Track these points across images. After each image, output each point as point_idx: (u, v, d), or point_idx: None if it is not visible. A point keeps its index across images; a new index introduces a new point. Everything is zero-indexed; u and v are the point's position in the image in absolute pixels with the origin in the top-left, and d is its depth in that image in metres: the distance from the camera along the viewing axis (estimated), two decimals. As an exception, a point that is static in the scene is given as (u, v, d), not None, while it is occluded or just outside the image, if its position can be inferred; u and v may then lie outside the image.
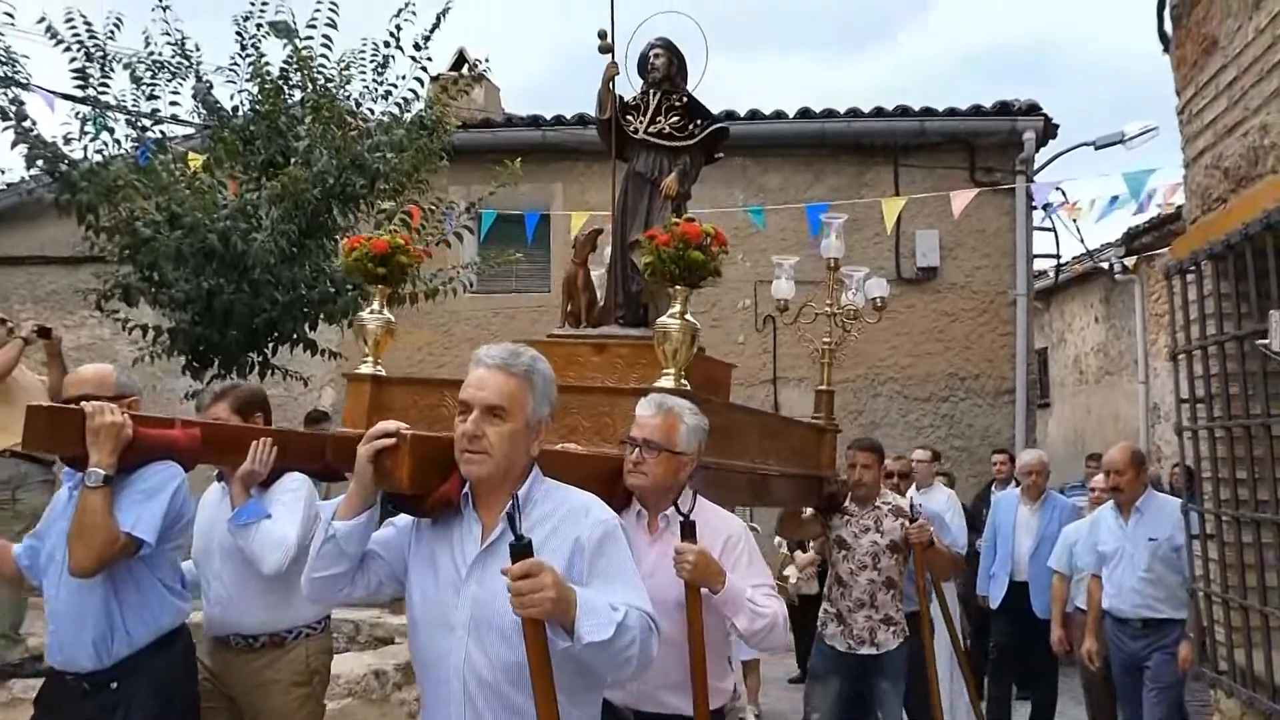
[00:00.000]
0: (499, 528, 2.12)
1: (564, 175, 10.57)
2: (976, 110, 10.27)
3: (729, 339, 10.13)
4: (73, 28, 5.94)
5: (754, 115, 10.51)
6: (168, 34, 6.18)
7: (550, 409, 2.26)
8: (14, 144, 5.81)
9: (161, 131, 6.37)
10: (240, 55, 6.25)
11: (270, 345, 6.42)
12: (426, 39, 6.53)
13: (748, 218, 9.71)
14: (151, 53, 6.22)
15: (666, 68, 4.17)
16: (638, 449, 2.93)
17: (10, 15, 5.78)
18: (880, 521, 4.67)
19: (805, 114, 10.43)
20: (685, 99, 4.18)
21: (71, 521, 2.83)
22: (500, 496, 2.11)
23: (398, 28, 6.49)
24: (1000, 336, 10.32)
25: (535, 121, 10.53)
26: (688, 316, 3.17)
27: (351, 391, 3.74)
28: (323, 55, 6.43)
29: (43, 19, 5.90)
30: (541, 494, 2.21)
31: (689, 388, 3.17)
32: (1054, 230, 11.34)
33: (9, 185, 7.11)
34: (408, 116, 6.59)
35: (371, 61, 6.58)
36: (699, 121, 4.14)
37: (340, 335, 6.42)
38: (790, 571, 7.09)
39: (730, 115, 10.49)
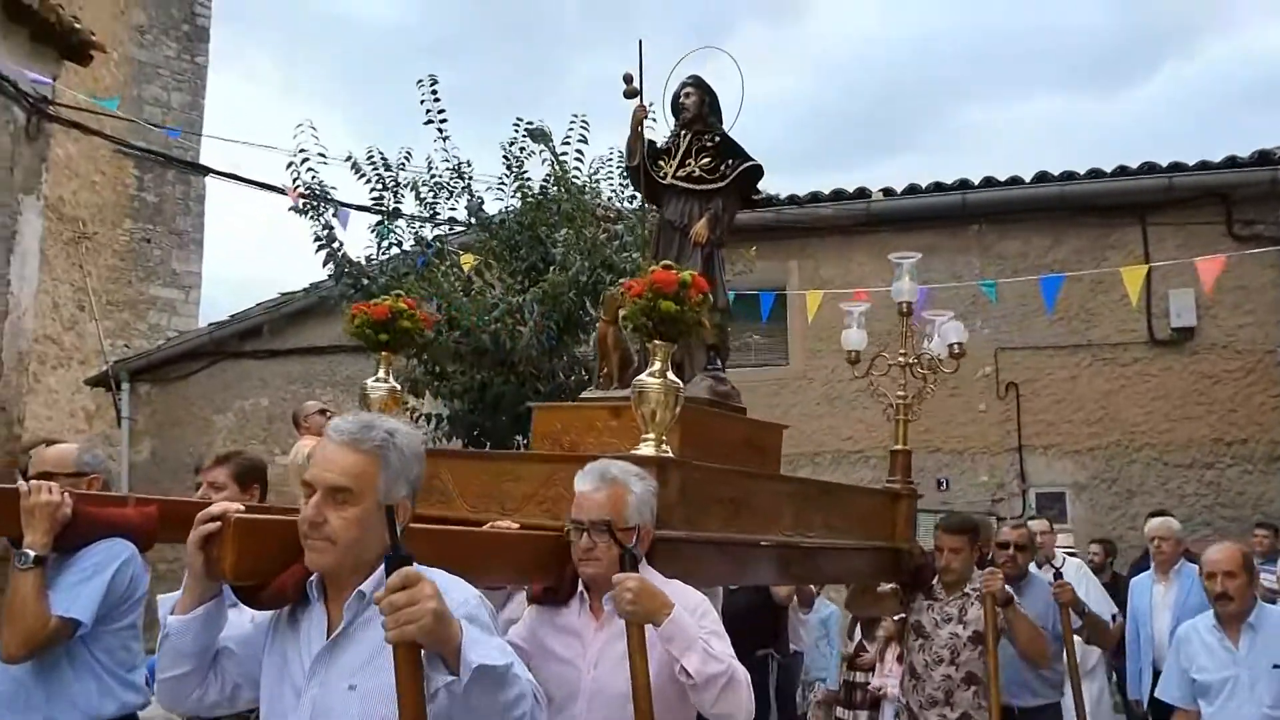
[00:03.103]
0: (344, 621, 1.91)
1: (798, 253, 10.88)
2: (1231, 162, 9.77)
3: (969, 407, 10.07)
4: (371, 161, 6.97)
5: (989, 182, 10.46)
6: (447, 160, 7.11)
7: (410, 489, 2.00)
8: (324, 263, 6.88)
9: (440, 241, 7.30)
10: (507, 175, 7.07)
11: (535, 429, 7.10)
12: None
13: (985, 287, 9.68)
14: (433, 174, 7.17)
15: (698, 106, 3.95)
16: (585, 533, 2.55)
17: (324, 155, 6.89)
18: (965, 610, 4.21)
19: (1042, 178, 10.26)
20: (717, 139, 3.93)
21: (4, 605, 2.75)
22: (351, 588, 1.87)
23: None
24: (1270, 398, 9.66)
25: (770, 201, 10.96)
26: (669, 375, 2.85)
27: None
28: (575, 166, 7.16)
29: (349, 157, 6.99)
30: None
31: (670, 454, 2.87)
32: (1329, 281, 10.54)
33: (313, 288, 8.42)
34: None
35: (618, 167, 7.24)
36: (730, 162, 3.87)
37: (595, 418, 7.05)
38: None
39: (964, 184, 10.53)
